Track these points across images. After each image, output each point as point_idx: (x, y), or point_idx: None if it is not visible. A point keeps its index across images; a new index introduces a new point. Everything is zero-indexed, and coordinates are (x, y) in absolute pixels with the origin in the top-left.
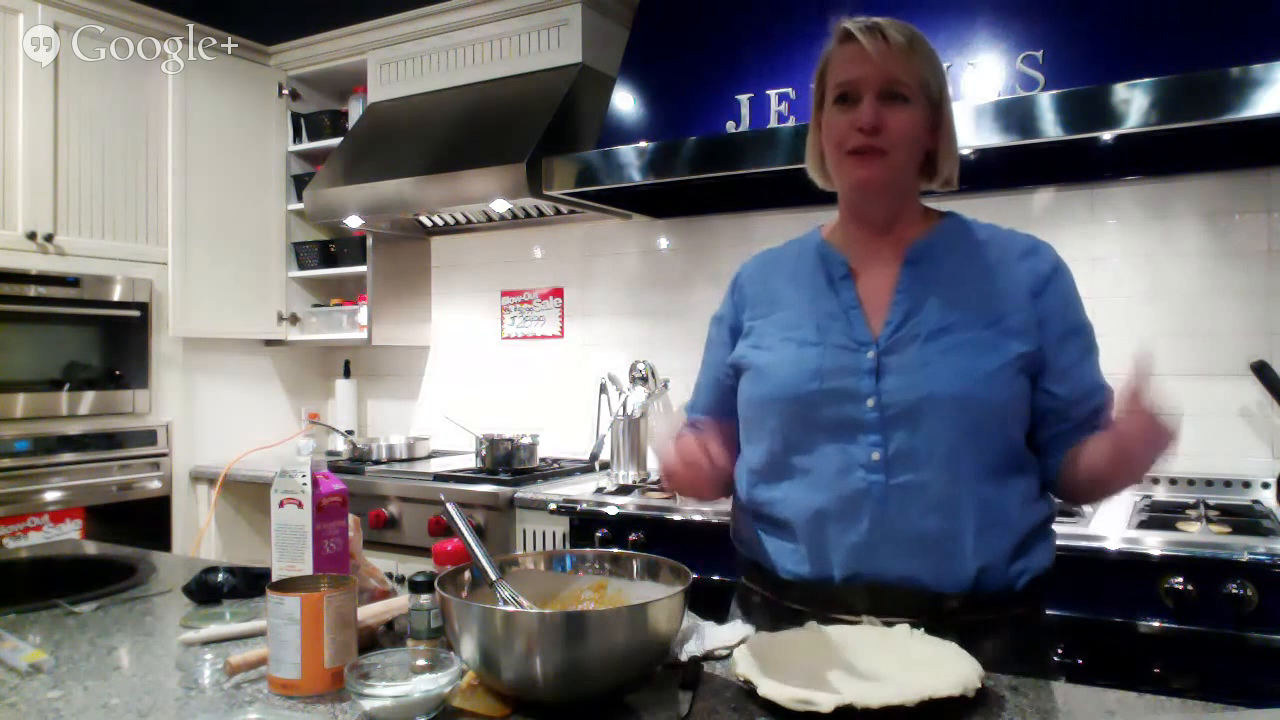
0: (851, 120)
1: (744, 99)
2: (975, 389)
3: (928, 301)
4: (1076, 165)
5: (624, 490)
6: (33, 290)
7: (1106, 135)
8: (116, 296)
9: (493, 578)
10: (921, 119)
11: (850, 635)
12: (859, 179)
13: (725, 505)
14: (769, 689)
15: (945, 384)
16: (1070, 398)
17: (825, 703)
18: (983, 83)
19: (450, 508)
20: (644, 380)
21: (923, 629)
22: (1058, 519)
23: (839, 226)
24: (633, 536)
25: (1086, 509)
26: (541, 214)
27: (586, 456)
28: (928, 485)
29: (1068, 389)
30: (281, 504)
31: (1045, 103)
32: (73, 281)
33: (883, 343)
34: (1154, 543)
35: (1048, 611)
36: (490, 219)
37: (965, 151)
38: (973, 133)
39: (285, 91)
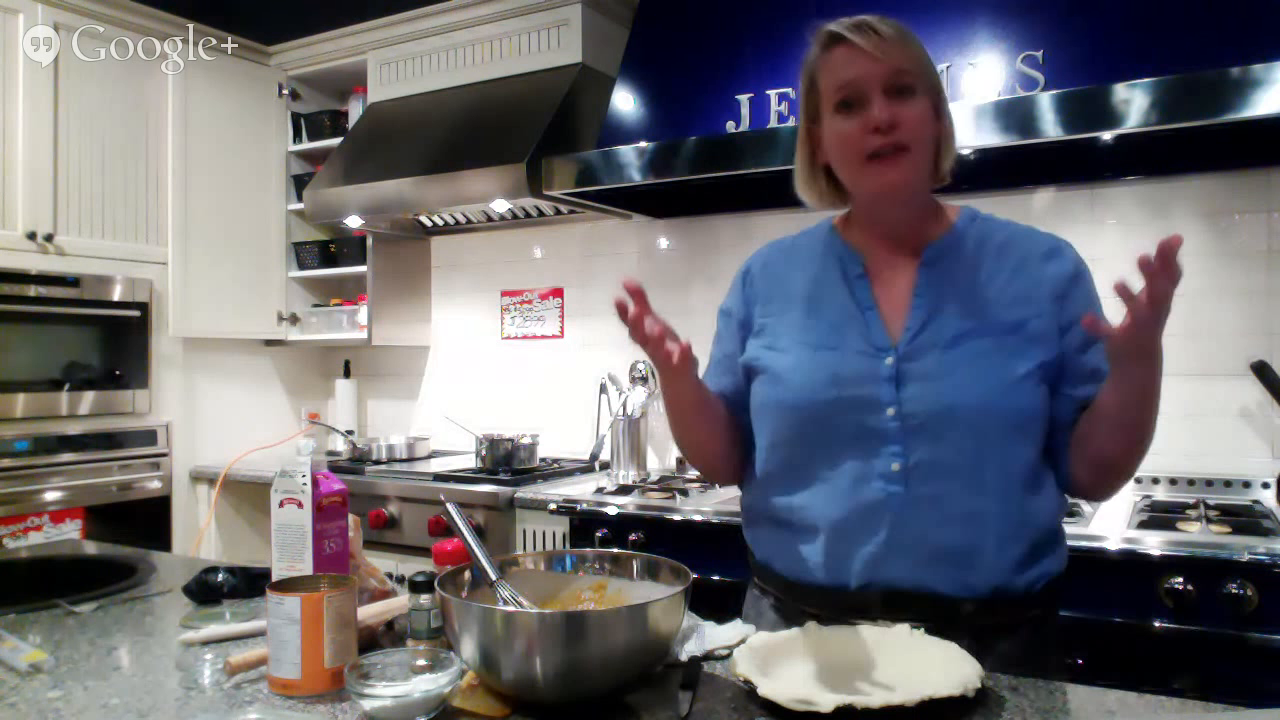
0: (863, 123)
1: (744, 99)
2: (1000, 399)
3: (947, 305)
4: (1076, 165)
5: (624, 490)
6: (33, 290)
7: (1106, 135)
8: (116, 296)
9: (493, 578)
10: (930, 109)
11: (850, 635)
12: (887, 184)
13: (725, 506)
14: (769, 689)
15: (969, 394)
16: (1095, 395)
17: (825, 703)
18: (983, 83)
19: (450, 508)
20: (644, 380)
21: (923, 629)
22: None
23: (853, 223)
24: (633, 536)
25: (1086, 509)
26: (541, 214)
27: (586, 456)
28: (948, 497)
29: (1094, 388)
30: (281, 504)
31: (1045, 103)
32: (73, 281)
33: (902, 348)
34: (1154, 543)
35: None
36: (490, 219)
37: (965, 151)
38: (973, 133)
39: (285, 91)
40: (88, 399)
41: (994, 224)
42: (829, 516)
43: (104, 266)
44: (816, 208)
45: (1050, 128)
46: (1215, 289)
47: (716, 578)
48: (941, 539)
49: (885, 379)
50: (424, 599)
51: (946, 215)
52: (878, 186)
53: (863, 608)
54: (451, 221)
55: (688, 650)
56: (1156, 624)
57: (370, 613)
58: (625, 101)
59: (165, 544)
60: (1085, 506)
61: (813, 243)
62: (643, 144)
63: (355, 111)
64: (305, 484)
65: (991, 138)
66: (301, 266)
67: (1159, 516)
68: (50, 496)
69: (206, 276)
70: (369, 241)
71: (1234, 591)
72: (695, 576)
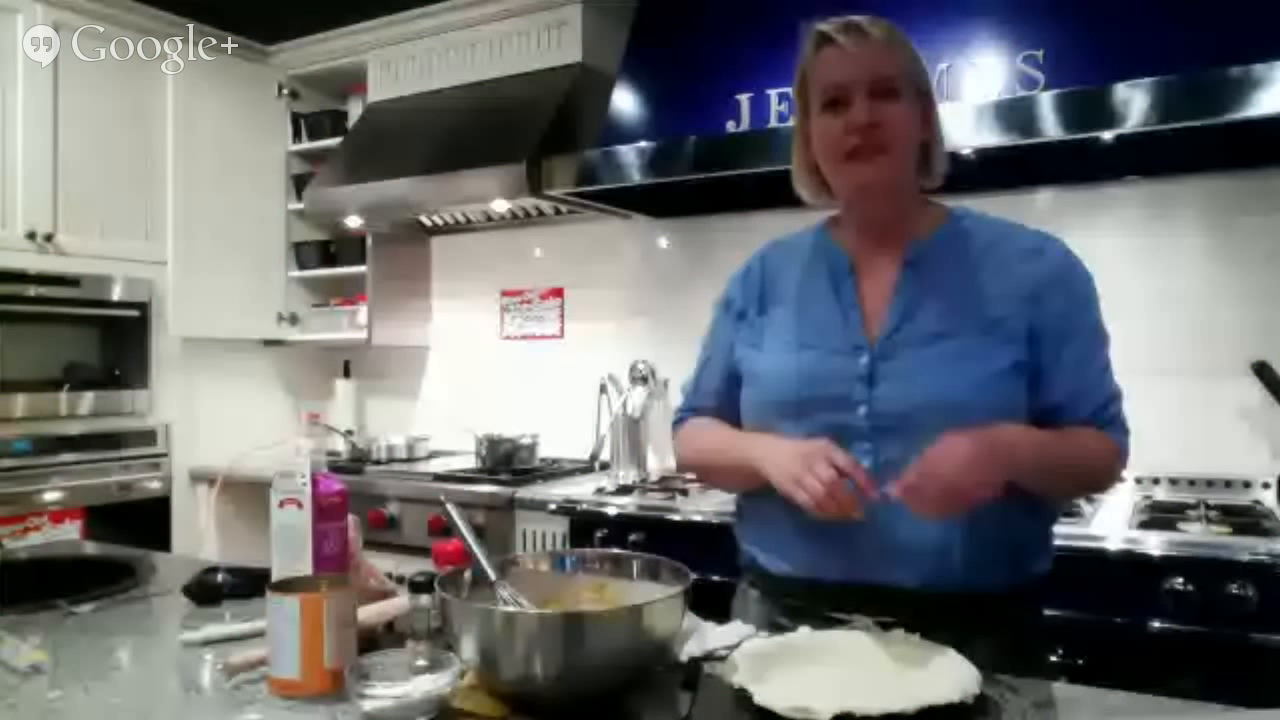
0: (845, 123)
1: (744, 99)
2: (966, 396)
3: (926, 305)
4: (1077, 165)
5: (624, 490)
6: (33, 290)
7: (1107, 135)
8: (116, 296)
9: (493, 578)
10: (915, 112)
11: (848, 641)
12: (863, 181)
13: (725, 506)
14: (766, 696)
15: (937, 392)
16: (1066, 402)
17: (823, 710)
18: (983, 83)
19: (450, 508)
20: (644, 380)
21: (919, 634)
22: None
23: (842, 222)
24: (633, 537)
25: (1086, 509)
26: (541, 214)
27: (586, 456)
28: None
29: (1064, 394)
30: (281, 504)
31: (1046, 103)
32: (73, 281)
33: (878, 347)
34: (1155, 543)
35: (1047, 612)
36: (490, 219)
37: (965, 151)
38: (973, 133)
39: (285, 91)
40: (88, 399)
41: (982, 222)
42: (803, 513)
43: (104, 266)
44: (813, 202)
45: (1050, 128)
46: (1216, 289)
47: (716, 578)
48: (913, 537)
49: (858, 377)
50: (424, 599)
51: (935, 214)
52: (853, 184)
53: (839, 603)
54: (451, 221)
55: (688, 651)
56: (1156, 624)
57: (370, 613)
58: (625, 101)
59: (165, 544)
60: (1085, 506)
61: (806, 242)
62: (643, 144)
63: (355, 111)
64: (305, 484)
65: (991, 138)
66: (301, 266)
67: (1159, 516)
68: (50, 496)
69: (206, 276)
70: (369, 241)
71: (1235, 592)
72: (695, 577)
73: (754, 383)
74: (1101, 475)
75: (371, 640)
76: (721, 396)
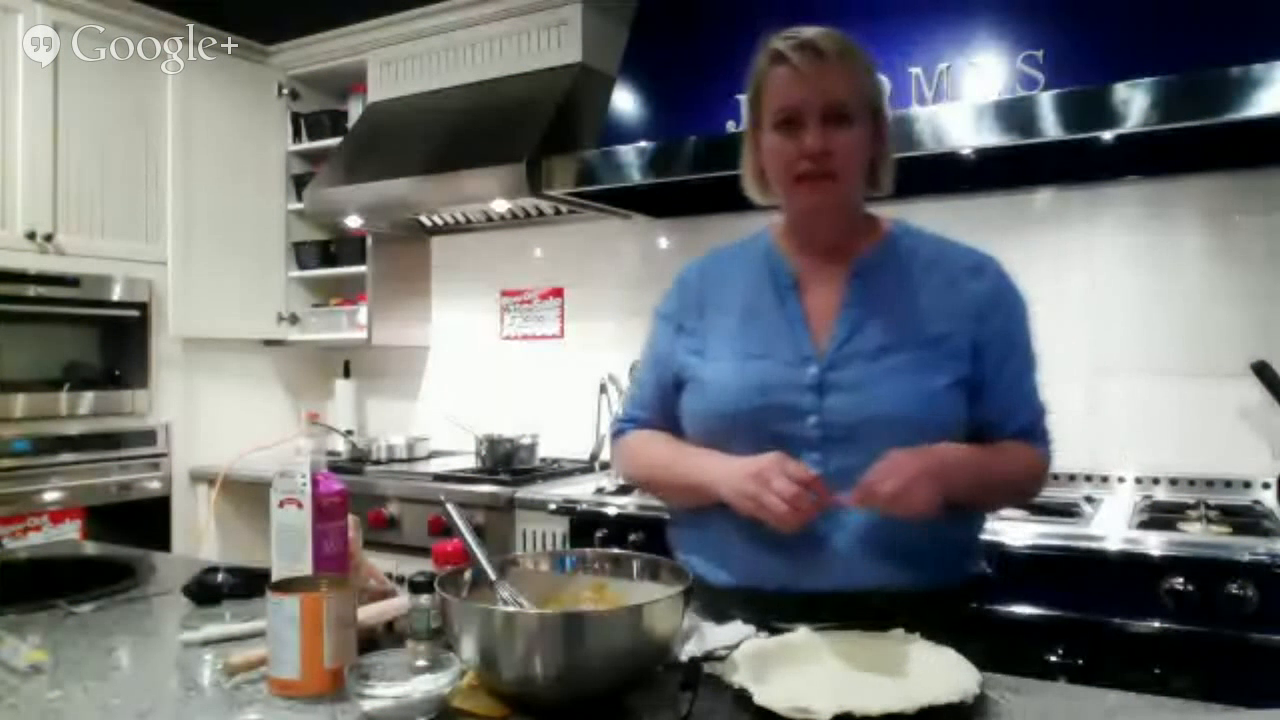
0: (799, 148)
1: (744, 99)
2: (916, 411)
3: (873, 318)
4: (1077, 165)
5: (624, 490)
6: (32, 290)
7: (1107, 135)
8: (116, 296)
9: (492, 578)
10: (866, 134)
11: (848, 641)
12: (812, 205)
13: None
14: (765, 697)
15: (887, 405)
16: (1000, 418)
17: (823, 710)
18: (983, 83)
19: (450, 508)
20: None
21: (919, 635)
22: (1059, 518)
23: (788, 233)
24: (633, 537)
25: (1087, 509)
26: (541, 214)
27: (586, 457)
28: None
29: (999, 409)
30: (281, 504)
31: (1046, 102)
32: (72, 281)
33: (827, 359)
34: (1154, 543)
35: (1048, 611)
36: (490, 219)
37: (965, 151)
38: (973, 133)
39: (285, 91)
40: (87, 399)
41: (923, 238)
42: (746, 522)
43: (104, 266)
44: (762, 203)
45: (1050, 127)
46: (1215, 289)
47: None
48: (856, 546)
49: (808, 388)
50: (424, 599)
51: (879, 228)
52: (805, 207)
53: (780, 610)
54: (451, 221)
55: (688, 651)
56: (1156, 624)
57: (370, 613)
58: (625, 101)
59: (165, 544)
60: (1085, 507)
61: (750, 252)
62: (643, 144)
63: (355, 111)
64: (305, 484)
65: (991, 137)
66: (301, 266)
67: (1159, 516)
68: (50, 496)
69: (206, 276)
70: (369, 241)
71: (1234, 592)
72: (695, 577)
73: (698, 391)
74: (1030, 487)
75: (371, 640)
76: (662, 406)
